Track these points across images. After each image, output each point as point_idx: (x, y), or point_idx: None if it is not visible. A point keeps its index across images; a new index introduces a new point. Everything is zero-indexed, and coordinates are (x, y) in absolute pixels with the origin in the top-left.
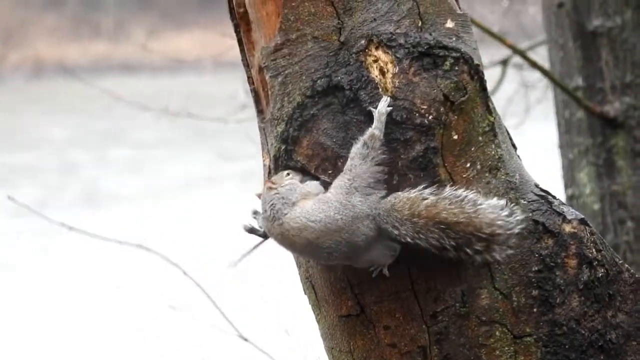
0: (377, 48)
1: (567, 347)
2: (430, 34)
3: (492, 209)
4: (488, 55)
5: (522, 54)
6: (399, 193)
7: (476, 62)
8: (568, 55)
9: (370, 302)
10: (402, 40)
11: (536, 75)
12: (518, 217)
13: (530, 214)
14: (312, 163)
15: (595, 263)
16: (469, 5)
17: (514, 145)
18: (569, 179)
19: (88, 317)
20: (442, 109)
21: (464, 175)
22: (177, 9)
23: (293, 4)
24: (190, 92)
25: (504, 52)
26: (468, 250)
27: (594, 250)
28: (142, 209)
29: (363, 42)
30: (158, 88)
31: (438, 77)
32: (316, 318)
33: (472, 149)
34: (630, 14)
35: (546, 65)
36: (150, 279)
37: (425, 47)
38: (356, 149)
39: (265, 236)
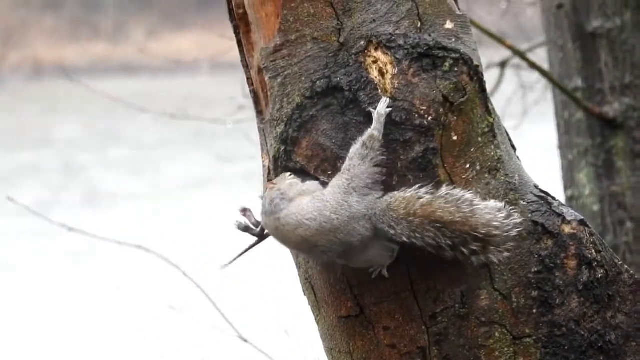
0: (376, 49)
1: (566, 348)
2: (430, 35)
3: (488, 210)
4: (486, 56)
5: (521, 55)
6: (395, 192)
7: (475, 63)
8: (567, 56)
9: (369, 303)
10: (401, 41)
11: (535, 76)
12: (515, 221)
13: (530, 215)
14: (311, 164)
15: (594, 264)
16: (468, 6)
17: (513, 146)
18: (569, 180)
19: (88, 317)
20: (441, 110)
21: (464, 176)
22: (176, 10)
23: (292, 5)
24: (189, 92)
25: (502, 53)
26: (464, 250)
27: (593, 251)
28: (142, 210)
29: (362, 43)
30: (157, 89)
31: (437, 78)
32: (316, 319)
33: (472, 150)
34: (629, 15)
35: (545, 66)
36: (150, 279)
37: (425, 48)
38: (355, 149)
39: (260, 235)
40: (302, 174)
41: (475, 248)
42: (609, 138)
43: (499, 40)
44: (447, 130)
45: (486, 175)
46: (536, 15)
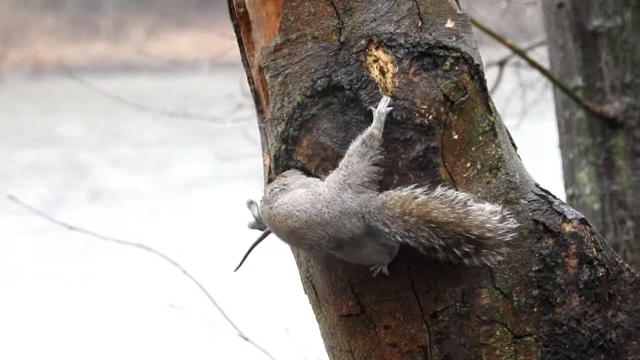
0: (377, 48)
1: (567, 346)
2: (430, 34)
3: (482, 212)
4: (486, 55)
5: (521, 53)
6: (391, 191)
7: (476, 62)
8: (568, 55)
9: (370, 302)
10: (402, 40)
11: (535, 75)
12: (510, 225)
13: (531, 214)
14: (312, 163)
15: (595, 263)
16: (469, 5)
17: (514, 145)
18: (569, 179)
19: (88, 317)
20: (442, 109)
21: (464, 175)
22: (176, 9)
23: (293, 4)
24: (189, 91)
25: (502, 52)
26: (457, 252)
27: (594, 249)
28: (143, 208)
29: (363, 42)
30: (158, 88)
31: (438, 77)
32: (316, 317)
33: (472, 149)
34: (630, 14)
35: (546, 65)
36: (150, 278)
37: (425, 47)
38: (355, 146)
39: (269, 232)
40: (303, 173)
41: (468, 250)
42: (610, 137)
43: (500, 39)
44: (448, 129)
45: (487, 174)
46: (536, 14)
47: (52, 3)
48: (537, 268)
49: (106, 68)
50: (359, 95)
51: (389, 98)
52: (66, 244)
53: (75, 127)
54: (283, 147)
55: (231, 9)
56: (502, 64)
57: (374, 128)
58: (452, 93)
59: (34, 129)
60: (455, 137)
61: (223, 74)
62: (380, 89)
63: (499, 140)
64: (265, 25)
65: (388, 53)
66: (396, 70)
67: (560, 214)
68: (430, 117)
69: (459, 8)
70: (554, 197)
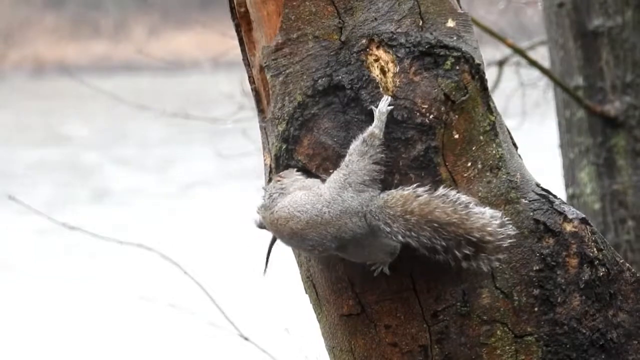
0: (378, 47)
1: (568, 346)
2: (431, 34)
3: (483, 215)
4: (486, 55)
5: (522, 53)
6: (392, 190)
7: (477, 61)
8: (568, 54)
9: (371, 302)
10: (403, 40)
11: (535, 74)
12: (509, 232)
13: (532, 213)
14: (312, 162)
15: (596, 262)
16: (469, 5)
17: (514, 145)
18: (570, 179)
19: (88, 317)
20: (443, 109)
21: (465, 175)
22: (177, 9)
23: (294, 3)
24: (190, 91)
25: (502, 52)
26: (457, 253)
27: (595, 249)
28: (142, 208)
29: (364, 41)
30: (159, 87)
31: (439, 76)
32: (317, 317)
33: (473, 148)
34: (630, 14)
35: (546, 64)
36: (151, 278)
37: (426, 47)
38: (355, 145)
39: None
40: (304, 172)
41: (467, 252)
42: (610, 136)
43: (500, 38)
44: (449, 128)
45: (487, 174)
46: (537, 14)
47: (53, 2)
48: (537, 268)
49: (107, 67)
50: (360, 94)
51: (389, 97)
52: (67, 243)
53: (78, 126)
54: (284, 146)
55: (232, 9)
56: (501, 63)
57: (375, 127)
58: (453, 92)
59: (36, 128)
60: (456, 136)
61: (225, 73)
62: (381, 89)
63: (500, 140)
64: (266, 25)
65: (389, 52)
66: (397, 70)
67: (561, 213)
68: (431, 116)
69: (460, 7)
70: (555, 196)
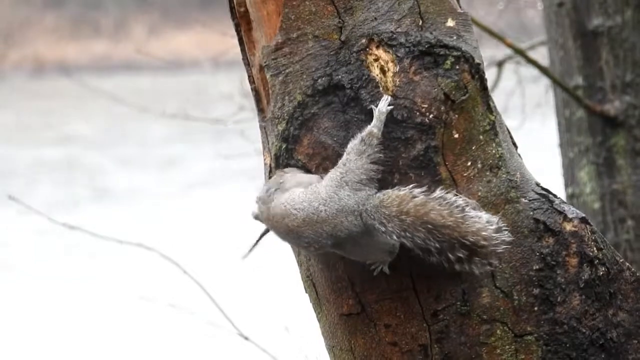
0: (377, 47)
1: (568, 345)
2: (431, 33)
3: (479, 220)
4: (486, 54)
5: (522, 53)
6: (388, 190)
7: (477, 61)
8: (568, 54)
9: (371, 301)
10: (402, 39)
11: (535, 73)
12: (505, 238)
13: (532, 213)
14: (312, 162)
15: (596, 262)
16: (469, 5)
17: (514, 144)
18: (569, 178)
19: (88, 316)
20: (442, 108)
21: (465, 174)
22: (177, 8)
23: (294, 2)
24: (191, 90)
25: (501, 52)
26: (450, 256)
27: (594, 248)
28: (142, 208)
29: (364, 41)
30: (159, 86)
31: (439, 76)
32: (317, 316)
33: (473, 148)
34: (630, 13)
35: (546, 64)
36: (151, 278)
37: (426, 46)
38: (353, 144)
39: None
40: (304, 172)
41: (461, 255)
42: (610, 136)
43: (499, 38)
44: (449, 128)
45: (487, 173)
46: (537, 14)
47: (53, 2)
48: (537, 267)
49: (107, 67)
50: (360, 94)
51: (389, 97)
52: (67, 243)
53: (78, 126)
54: (284, 146)
55: (232, 8)
56: (500, 64)
57: (374, 126)
58: (453, 92)
59: (36, 127)
60: (456, 136)
61: (225, 72)
62: (380, 88)
63: (500, 139)
64: (266, 24)
65: (389, 52)
66: (397, 69)
67: (560, 213)
68: (431, 116)
69: (460, 7)
70: (555, 196)
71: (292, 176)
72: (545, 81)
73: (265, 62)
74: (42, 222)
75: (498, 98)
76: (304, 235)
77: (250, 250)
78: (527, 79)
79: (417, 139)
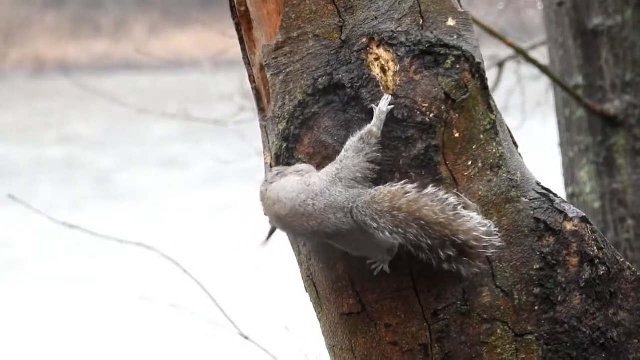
0: (378, 46)
1: (568, 345)
2: (432, 32)
3: (470, 220)
4: (486, 54)
5: (522, 52)
6: (380, 186)
7: (477, 60)
8: (568, 53)
9: (371, 300)
10: (403, 39)
11: (535, 72)
12: (495, 242)
13: (532, 212)
14: (313, 161)
15: (596, 261)
16: (470, 4)
17: (515, 144)
18: (570, 177)
19: (88, 316)
20: (443, 107)
21: (465, 173)
22: (177, 7)
23: (294, 2)
24: (191, 90)
25: (502, 52)
26: (440, 253)
27: (595, 248)
28: (143, 208)
29: (364, 40)
30: (160, 86)
31: (439, 75)
32: (317, 316)
33: (474, 147)
34: (630, 13)
35: (546, 63)
36: (151, 277)
37: (427, 46)
38: (352, 142)
39: None
40: None
41: (450, 254)
42: (610, 135)
43: (500, 38)
44: (449, 127)
45: (488, 173)
46: (537, 13)
47: (53, 1)
48: (538, 266)
49: (107, 66)
50: (360, 93)
51: (390, 96)
52: (67, 243)
53: (79, 125)
54: (284, 145)
55: (232, 8)
56: (501, 64)
57: (373, 125)
58: (454, 91)
59: (36, 127)
60: (457, 135)
61: (225, 72)
62: (381, 87)
63: (500, 139)
64: (266, 24)
65: (389, 51)
66: (397, 69)
67: (561, 212)
68: (432, 115)
69: (460, 6)
70: (555, 195)
71: (298, 165)
72: (545, 80)
73: (265, 62)
74: (43, 221)
75: (498, 97)
76: (290, 226)
77: (268, 237)
78: (527, 78)
79: (417, 138)
